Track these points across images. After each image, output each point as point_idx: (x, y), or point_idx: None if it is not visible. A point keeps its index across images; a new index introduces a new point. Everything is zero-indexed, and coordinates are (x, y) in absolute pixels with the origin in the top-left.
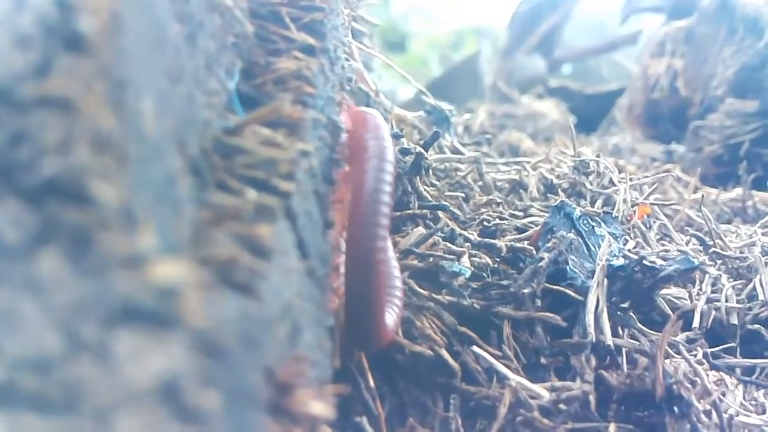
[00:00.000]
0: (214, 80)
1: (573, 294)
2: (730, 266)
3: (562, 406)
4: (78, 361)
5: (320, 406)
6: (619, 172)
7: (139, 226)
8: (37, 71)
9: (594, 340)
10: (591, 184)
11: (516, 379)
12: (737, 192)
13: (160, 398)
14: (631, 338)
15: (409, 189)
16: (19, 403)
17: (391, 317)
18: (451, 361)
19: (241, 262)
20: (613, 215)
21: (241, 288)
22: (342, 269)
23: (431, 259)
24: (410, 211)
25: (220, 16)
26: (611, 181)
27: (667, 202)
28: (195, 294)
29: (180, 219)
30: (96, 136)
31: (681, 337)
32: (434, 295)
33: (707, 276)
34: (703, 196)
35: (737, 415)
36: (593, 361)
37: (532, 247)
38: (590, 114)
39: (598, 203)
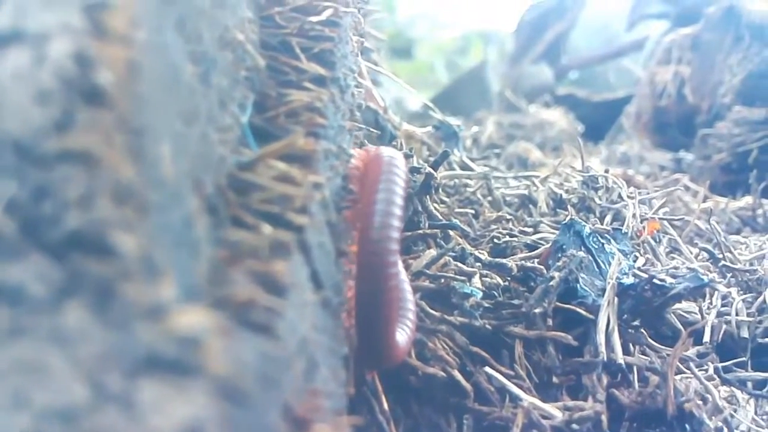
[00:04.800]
0: (228, 116)
1: (584, 312)
2: (740, 279)
3: (574, 426)
4: (103, 410)
5: None
6: (628, 185)
7: (160, 276)
8: (58, 126)
9: (605, 358)
10: (600, 199)
11: (528, 399)
12: (746, 200)
13: None
14: (642, 355)
15: (419, 209)
16: None
17: (402, 336)
18: (463, 381)
19: (258, 302)
20: (623, 231)
21: (259, 328)
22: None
23: (442, 280)
24: (421, 231)
25: (231, 52)
26: (620, 196)
27: (677, 217)
28: (216, 341)
29: (198, 261)
30: (117, 188)
31: (692, 351)
32: (446, 317)
33: (717, 291)
34: (711, 209)
35: (749, 431)
36: (605, 380)
37: (542, 266)
38: (598, 121)
39: (608, 218)
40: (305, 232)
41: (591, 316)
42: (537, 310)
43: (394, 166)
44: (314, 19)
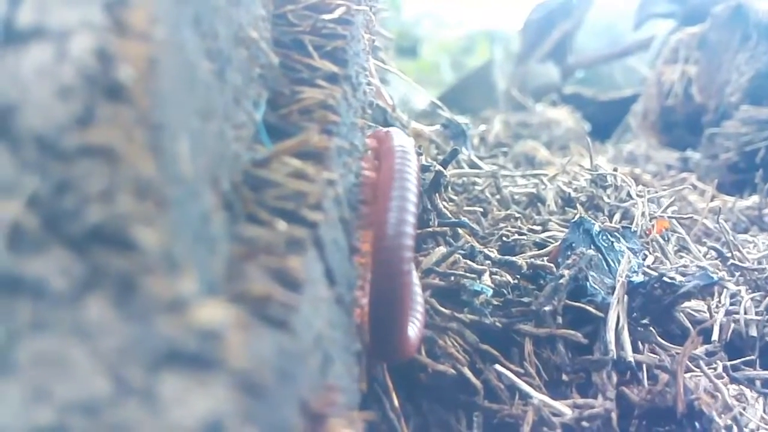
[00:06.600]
0: (242, 113)
1: (594, 310)
2: (749, 278)
3: (584, 423)
4: (125, 404)
5: None
6: (636, 184)
7: (180, 270)
8: (80, 121)
9: (615, 356)
10: (609, 197)
11: (538, 396)
12: (754, 200)
13: None
14: (651, 353)
15: (429, 206)
16: None
17: (413, 329)
18: (473, 379)
19: (274, 297)
20: (632, 230)
21: (275, 323)
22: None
23: (452, 278)
24: (430, 229)
25: (246, 49)
26: (629, 195)
27: (685, 216)
28: (236, 335)
29: (216, 256)
30: (137, 183)
31: (700, 350)
32: (456, 314)
33: (726, 289)
34: (720, 208)
35: (758, 430)
36: (614, 378)
37: (552, 264)
38: (604, 121)
39: (616, 217)
40: (319, 228)
41: (601, 314)
42: (547, 308)
43: (407, 159)
44: (327, 17)
